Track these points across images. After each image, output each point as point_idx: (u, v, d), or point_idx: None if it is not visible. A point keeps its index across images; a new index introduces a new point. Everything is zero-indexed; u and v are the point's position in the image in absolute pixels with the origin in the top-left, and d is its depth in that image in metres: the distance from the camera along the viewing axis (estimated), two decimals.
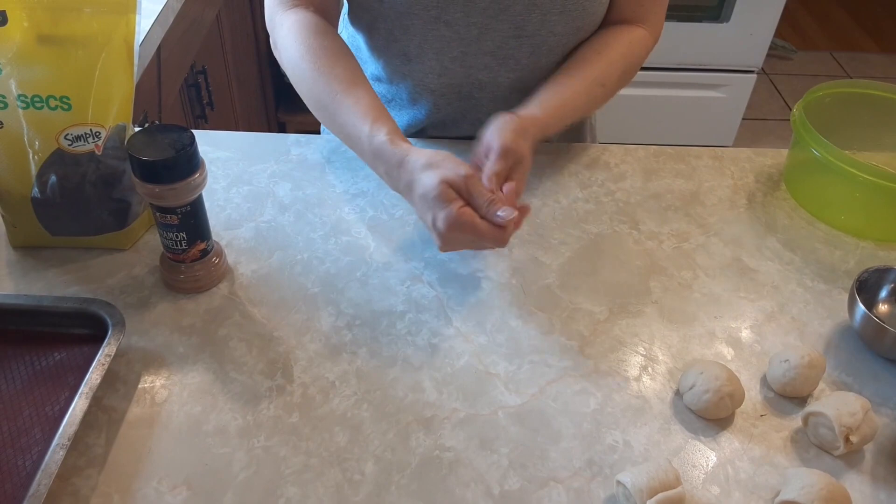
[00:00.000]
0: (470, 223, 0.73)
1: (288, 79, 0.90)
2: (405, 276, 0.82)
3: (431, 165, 0.75)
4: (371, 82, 1.02)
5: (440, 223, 0.73)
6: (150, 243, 0.84)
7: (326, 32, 0.88)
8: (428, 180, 0.74)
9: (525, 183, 0.82)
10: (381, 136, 0.78)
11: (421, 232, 0.87)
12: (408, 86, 0.99)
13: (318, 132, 1.12)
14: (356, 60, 0.88)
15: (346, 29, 1.04)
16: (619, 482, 0.62)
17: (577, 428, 0.69)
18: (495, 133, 0.80)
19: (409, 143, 0.79)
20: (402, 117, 1.03)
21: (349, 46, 1.04)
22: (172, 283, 0.79)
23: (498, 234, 0.74)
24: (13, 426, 0.65)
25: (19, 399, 0.67)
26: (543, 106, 0.87)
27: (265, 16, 0.94)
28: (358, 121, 0.81)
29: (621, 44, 0.94)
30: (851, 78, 1.68)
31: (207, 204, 0.77)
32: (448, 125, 1.02)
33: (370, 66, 1.01)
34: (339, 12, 0.93)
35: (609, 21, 0.95)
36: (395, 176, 0.78)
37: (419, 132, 1.04)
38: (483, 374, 0.73)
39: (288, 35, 0.88)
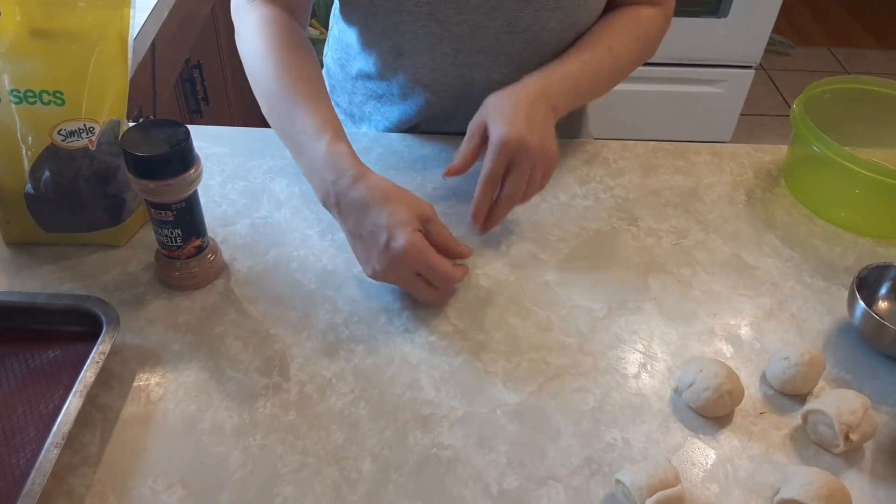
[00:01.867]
0: (427, 251, 0.73)
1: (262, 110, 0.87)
2: None
3: (397, 191, 0.74)
4: (362, 79, 1.02)
5: (396, 244, 0.71)
6: (144, 240, 0.84)
7: (294, 31, 0.85)
8: (395, 204, 0.73)
9: (538, 178, 0.81)
10: (343, 147, 0.76)
11: None
12: (399, 81, 0.98)
13: None
14: (319, 67, 0.86)
15: (337, 23, 1.04)
16: (618, 480, 0.62)
17: (576, 426, 0.68)
18: (488, 123, 0.80)
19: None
20: (394, 113, 1.03)
21: (340, 41, 1.03)
22: (167, 280, 0.78)
23: (449, 275, 0.75)
24: (7, 425, 0.65)
25: (13, 397, 0.67)
26: (546, 74, 0.86)
27: (231, 5, 0.91)
28: (318, 125, 0.77)
29: (626, 16, 0.93)
30: (849, 74, 1.68)
31: (203, 200, 0.77)
32: (440, 121, 1.01)
33: (361, 60, 1.00)
34: (308, 11, 0.92)
35: (618, 3, 0.95)
36: (344, 187, 0.74)
37: (411, 128, 1.03)
38: (481, 371, 0.72)
39: (254, 28, 0.84)
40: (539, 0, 0.87)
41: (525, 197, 0.82)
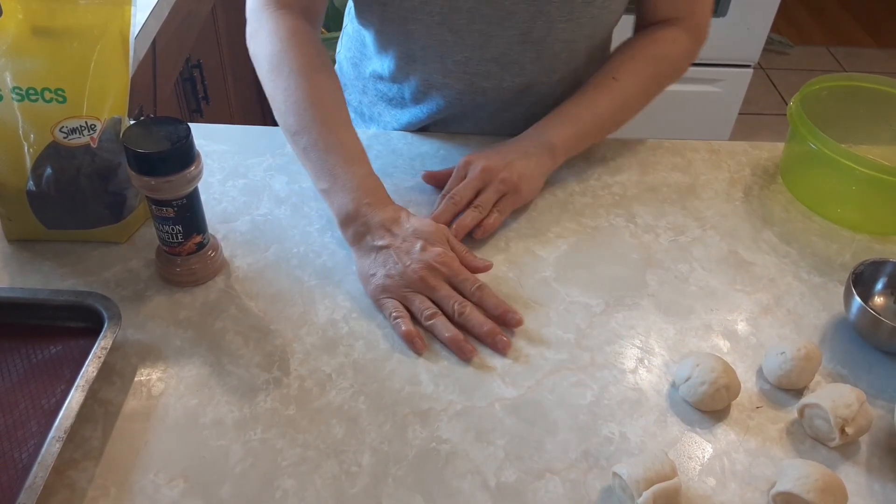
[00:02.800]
0: (457, 263, 0.76)
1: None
2: None
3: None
4: (374, 79, 1.03)
5: (434, 249, 0.75)
6: (146, 236, 0.84)
7: (315, 44, 0.87)
8: (426, 220, 0.79)
9: (490, 199, 0.85)
10: (377, 180, 0.81)
11: None
12: (411, 86, 0.98)
13: None
14: (340, 86, 0.87)
15: (351, 22, 1.04)
16: (615, 474, 0.62)
17: (574, 420, 0.69)
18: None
19: None
20: (404, 116, 1.03)
21: (354, 40, 1.04)
22: (168, 277, 0.79)
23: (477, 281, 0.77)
24: (9, 419, 0.65)
25: (15, 392, 0.67)
26: (548, 118, 0.89)
27: (247, 7, 0.91)
28: (353, 154, 0.81)
29: (643, 42, 0.94)
30: (847, 72, 1.68)
31: (203, 197, 0.77)
32: (450, 123, 1.02)
33: (374, 62, 1.01)
34: (322, 18, 0.93)
35: (647, 23, 0.95)
36: (376, 206, 0.78)
37: (421, 129, 1.03)
38: (480, 366, 0.73)
39: (275, 38, 0.85)
40: (552, 11, 0.87)
41: (484, 222, 0.84)
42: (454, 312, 0.74)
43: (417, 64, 0.95)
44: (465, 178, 0.86)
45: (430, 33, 0.90)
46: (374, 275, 0.76)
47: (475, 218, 0.83)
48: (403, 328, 0.74)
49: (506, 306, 0.75)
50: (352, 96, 1.09)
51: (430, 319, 0.74)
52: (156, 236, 0.78)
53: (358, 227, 0.78)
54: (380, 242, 0.77)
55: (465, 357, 0.72)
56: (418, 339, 0.73)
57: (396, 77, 0.99)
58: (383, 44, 0.96)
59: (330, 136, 0.81)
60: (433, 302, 0.75)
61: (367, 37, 0.99)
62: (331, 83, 0.85)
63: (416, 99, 1.00)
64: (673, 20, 0.94)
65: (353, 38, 1.05)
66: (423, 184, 0.93)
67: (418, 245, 0.76)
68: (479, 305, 0.76)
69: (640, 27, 0.97)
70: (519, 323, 0.75)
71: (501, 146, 0.89)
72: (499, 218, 0.84)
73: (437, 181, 0.90)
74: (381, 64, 0.99)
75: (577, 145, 0.91)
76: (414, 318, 0.75)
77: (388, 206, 0.79)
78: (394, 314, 0.75)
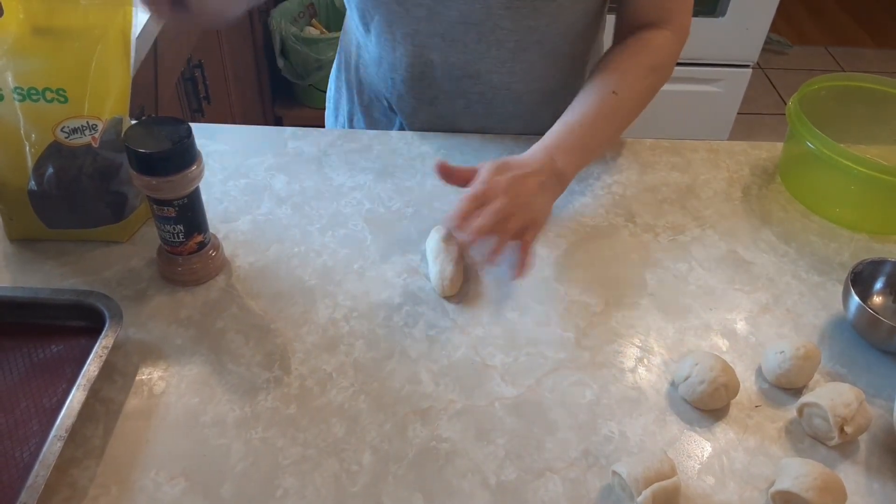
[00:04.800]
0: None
1: (284, 72, 0.91)
2: (402, 269, 0.82)
3: None
4: (356, 47, 1.05)
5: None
6: (147, 236, 0.84)
7: None
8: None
9: (512, 227, 0.76)
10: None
11: (417, 224, 0.88)
12: (371, 57, 1.01)
13: (315, 126, 1.12)
14: None
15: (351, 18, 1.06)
16: (614, 472, 0.62)
17: (574, 419, 0.69)
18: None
19: None
20: (371, 78, 1.05)
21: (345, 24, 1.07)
22: (170, 276, 0.79)
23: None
24: (11, 418, 0.65)
25: (17, 391, 0.67)
26: (553, 133, 0.86)
27: None
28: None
29: (635, 48, 0.92)
30: (846, 72, 1.68)
31: (204, 197, 0.77)
32: (410, 102, 1.03)
33: (363, 39, 1.02)
34: None
35: (630, 26, 0.94)
36: None
37: (387, 98, 1.05)
38: (480, 365, 0.73)
39: None
40: None
41: (498, 245, 0.75)
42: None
43: (370, 35, 0.97)
44: (486, 194, 0.78)
45: (381, 3, 0.92)
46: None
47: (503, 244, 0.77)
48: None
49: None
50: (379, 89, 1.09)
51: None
52: (157, 235, 0.78)
53: None
54: None
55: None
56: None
57: (359, 46, 1.02)
58: (365, 21, 0.98)
59: None
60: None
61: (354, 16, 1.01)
62: None
63: (378, 73, 1.02)
64: (658, 22, 0.93)
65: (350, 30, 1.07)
66: (422, 184, 0.93)
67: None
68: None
69: (624, 29, 0.95)
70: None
71: (521, 172, 0.79)
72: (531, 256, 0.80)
73: (452, 178, 0.81)
74: (357, 33, 1.02)
75: (581, 169, 0.89)
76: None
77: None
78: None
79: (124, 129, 0.76)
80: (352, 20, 1.03)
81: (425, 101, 1.02)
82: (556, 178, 0.82)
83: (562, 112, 1.08)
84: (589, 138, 0.86)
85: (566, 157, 0.83)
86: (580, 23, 0.96)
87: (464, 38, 0.93)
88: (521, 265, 0.77)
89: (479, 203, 0.74)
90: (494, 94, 1.00)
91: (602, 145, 0.90)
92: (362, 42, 1.03)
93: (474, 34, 0.93)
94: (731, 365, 0.71)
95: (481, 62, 0.96)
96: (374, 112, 1.09)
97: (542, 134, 1.03)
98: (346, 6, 1.02)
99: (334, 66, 1.17)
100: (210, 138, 0.98)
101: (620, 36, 0.95)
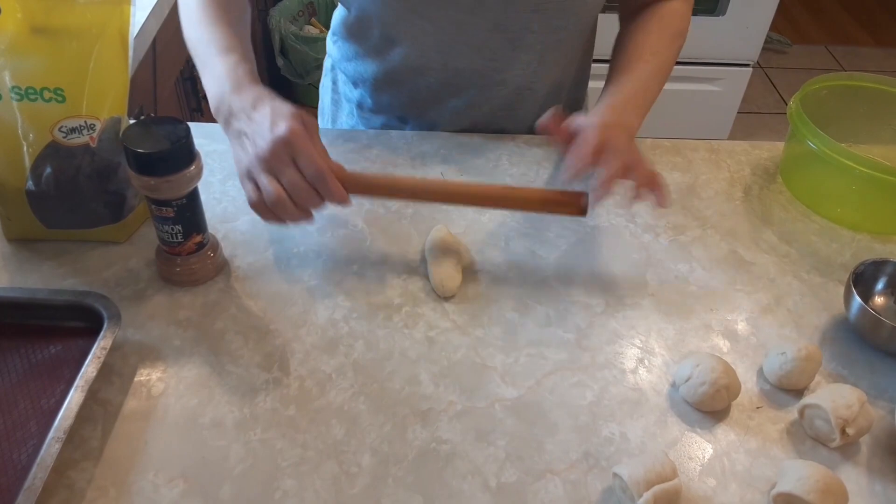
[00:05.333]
0: (308, 142, 0.70)
1: (283, 71, 0.90)
2: (402, 269, 0.82)
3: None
4: (356, 60, 1.03)
5: (280, 126, 0.69)
6: (145, 236, 0.84)
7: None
8: (283, 101, 0.73)
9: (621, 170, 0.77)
10: (247, 67, 0.77)
11: (418, 224, 0.87)
12: (388, 68, 0.99)
13: None
14: (246, 15, 0.89)
15: (336, 12, 1.05)
16: (615, 474, 0.62)
17: (574, 420, 0.69)
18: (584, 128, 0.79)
19: None
20: (384, 98, 1.04)
21: (340, 30, 1.04)
22: (168, 276, 0.79)
23: (323, 169, 0.70)
24: (8, 419, 0.65)
25: (15, 392, 0.67)
26: (617, 95, 0.87)
27: None
28: (227, 46, 0.80)
29: (658, 17, 0.94)
30: (846, 71, 1.67)
31: (203, 197, 0.77)
32: (429, 108, 1.02)
33: (357, 43, 1.01)
34: None
35: (640, 2, 0.95)
36: (237, 92, 0.74)
37: (400, 117, 1.05)
38: (480, 366, 0.73)
39: None
40: (520, 2, 0.87)
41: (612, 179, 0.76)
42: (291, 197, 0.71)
43: (395, 47, 0.96)
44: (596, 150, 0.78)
45: (402, 20, 0.91)
46: (239, 161, 0.73)
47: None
48: (253, 198, 0.71)
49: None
50: (345, 87, 1.09)
51: (274, 201, 0.70)
52: (155, 236, 0.77)
53: (225, 114, 0.75)
54: (241, 125, 0.73)
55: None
56: (264, 208, 0.71)
57: (376, 59, 1.00)
58: (361, 28, 0.98)
59: (208, 33, 0.81)
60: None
61: (351, 18, 0.99)
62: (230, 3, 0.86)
63: (396, 81, 1.01)
64: None
65: (338, 19, 1.06)
66: None
67: (267, 127, 0.70)
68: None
69: (633, 6, 0.96)
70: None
71: (617, 127, 0.80)
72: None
73: (555, 131, 0.81)
74: (367, 44, 1.00)
75: (640, 126, 0.89)
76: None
77: (250, 90, 0.75)
78: (250, 196, 0.72)
79: (122, 129, 0.76)
80: (359, 44, 1.01)
81: (447, 111, 1.01)
82: (628, 133, 0.82)
83: (568, 102, 1.08)
84: (642, 96, 0.89)
85: (630, 114, 0.85)
86: (594, 15, 0.97)
87: (492, 45, 0.93)
88: (663, 194, 0.78)
89: (597, 156, 0.76)
90: (518, 97, 1.00)
91: (652, 101, 0.92)
92: (370, 61, 1.01)
93: (503, 41, 0.92)
94: (732, 366, 0.70)
95: (509, 68, 0.96)
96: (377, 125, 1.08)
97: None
98: (347, 33, 1.01)
99: (326, 83, 1.16)
100: (209, 138, 0.97)
101: (629, 14, 0.96)
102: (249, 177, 0.71)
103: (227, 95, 0.74)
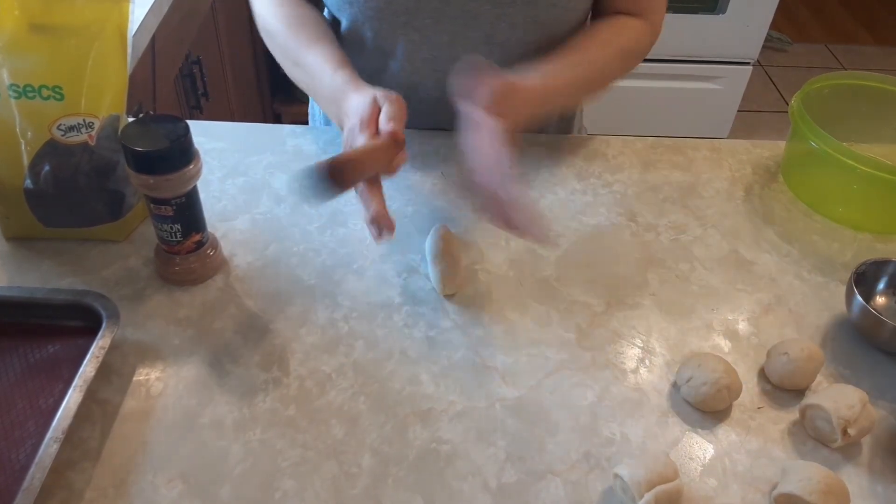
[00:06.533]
0: (356, 133, 0.72)
1: (284, 70, 0.90)
2: (402, 268, 0.82)
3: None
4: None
5: (346, 129, 0.74)
6: (144, 235, 0.84)
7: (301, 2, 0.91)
8: (360, 99, 0.76)
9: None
10: (345, 75, 0.81)
11: (418, 224, 0.87)
12: (383, 81, 0.98)
13: None
14: (327, 25, 0.92)
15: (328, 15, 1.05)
16: (616, 475, 0.62)
17: (575, 420, 0.69)
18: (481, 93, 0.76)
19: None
20: None
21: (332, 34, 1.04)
22: (167, 276, 0.78)
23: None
24: (6, 419, 0.65)
25: (13, 392, 0.67)
26: (541, 77, 0.84)
27: None
28: (324, 64, 0.83)
29: (612, 28, 0.92)
30: (847, 70, 1.67)
31: (202, 195, 0.77)
32: (424, 117, 1.01)
33: (349, 53, 1.00)
34: None
35: (605, 11, 0.95)
36: (342, 102, 0.78)
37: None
38: (480, 366, 0.73)
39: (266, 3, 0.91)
40: (515, 14, 0.87)
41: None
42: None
43: (388, 60, 0.95)
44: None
45: (397, 32, 0.90)
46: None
47: None
48: (372, 211, 0.69)
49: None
50: None
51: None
52: (154, 235, 0.77)
53: (339, 121, 0.80)
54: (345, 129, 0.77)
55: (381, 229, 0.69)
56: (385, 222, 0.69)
57: (371, 71, 0.99)
58: (355, 39, 0.97)
59: (311, 56, 0.85)
60: None
61: (342, 30, 0.99)
62: (310, 11, 0.91)
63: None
64: (634, 14, 0.94)
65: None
66: (422, 182, 0.93)
67: (348, 124, 0.75)
68: None
69: (601, 12, 0.95)
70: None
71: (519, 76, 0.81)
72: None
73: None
74: (358, 56, 0.99)
75: (541, 116, 0.88)
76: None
77: (349, 96, 0.78)
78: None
79: (121, 127, 0.75)
80: (352, 55, 1.00)
81: (443, 121, 1.01)
82: (520, 122, 0.80)
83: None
84: (566, 92, 0.88)
85: (540, 107, 0.84)
86: (585, 17, 0.96)
87: (487, 58, 0.92)
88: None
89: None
90: None
91: (567, 102, 0.93)
92: (364, 74, 1.01)
93: (499, 53, 0.92)
94: (733, 366, 0.70)
95: None
96: None
97: (542, 131, 1.01)
98: (340, 42, 1.00)
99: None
100: (208, 136, 0.97)
101: (596, 17, 0.96)
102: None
103: (335, 104, 0.80)
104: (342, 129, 0.78)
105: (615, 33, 0.92)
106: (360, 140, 0.72)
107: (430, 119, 1.01)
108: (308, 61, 0.85)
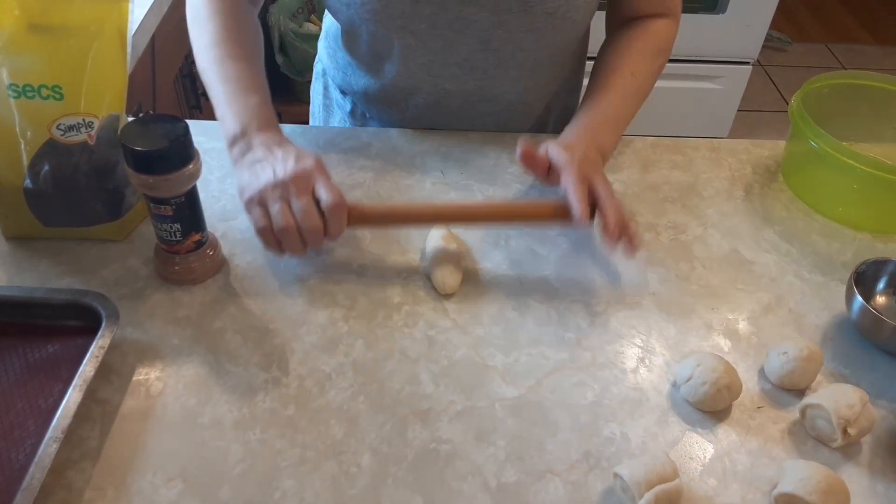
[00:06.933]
0: (327, 176, 0.74)
1: (283, 69, 0.90)
2: (402, 268, 0.82)
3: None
4: (346, 72, 1.03)
5: (306, 160, 0.74)
6: (144, 234, 0.84)
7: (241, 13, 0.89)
8: (310, 152, 0.76)
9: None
10: (271, 111, 0.82)
11: None
12: (379, 87, 0.99)
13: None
14: (259, 37, 0.91)
15: (327, 18, 1.04)
16: (616, 474, 0.62)
17: (575, 420, 0.68)
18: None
19: None
20: (374, 113, 1.04)
21: (330, 38, 1.04)
22: (167, 275, 0.78)
23: (341, 202, 0.72)
24: (6, 419, 0.65)
25: (12, 392, 0.67)
26: (590, 117, 0.87)
27: None
28: (254, 83, 0.83)
29: (640, 34, 0.93)
30: (846, 69, 1.67)
31: (202, 195, 0.77)
32: (420, 119, 1.02)
33: (347, 55, 1.00)
34: None
35: (627, 16, 0.95)
36: (261, 131, 0.78)
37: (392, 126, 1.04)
38: (480, 366, 0.73)
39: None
40: (512, 21, 0.87)
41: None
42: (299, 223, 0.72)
43: (384, 64, 0.95)
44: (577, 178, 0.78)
45: (392, 36, 0.90)
46: (248, 186, 0.74)
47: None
48: (261, 224, 0.73)
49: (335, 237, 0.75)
50: (335, 74, 1.09)
51: (282, 228, 0.72)
52: (154, 234, 0.77)
53: (242, 147, 0.78)
54: (258, 156, 0.76)
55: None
56: (270, 236, 0.73)
57: (367, 74, 0.99)
58: (351, 43, 0.97)
59: (231, 69, 0.83)
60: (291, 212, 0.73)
61: (339, 32, 0.99)
62: (245, 25, 0.89)
63: (387, 97, 1.00)
64: (657, 14, 0.95)
65: (328, 32, 1.05)
66: (422, 182, 0.93)
67: (293, 159, 0.74)
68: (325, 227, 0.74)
69: (622, 19, 0.96)
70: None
71: (583, 149, 0.81)
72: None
73: (535, 165, 0.82)
74: (352, 60, 1.00)
75: (613, 148, 0.90)
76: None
77: (275, 131, 0.79)
78: (258, 222, 0.73)
79: (121, 127, 0.75)
80: (349, 56, 1.01)
81: (439, 125, 1.01)
82: (602, 155, 0.84)
83: (560, 110, 1.07)
84: (618, 117, 0.89)
85: (605, 136, 0.86)
86: (586, 27, 0.96)
87: (483, 64, 0.92)
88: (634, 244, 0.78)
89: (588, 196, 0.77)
90: (508, 112, 1.00)
91: (628, 122, 0.92)
92: (361, 75, 1.01)
93: (494, 59, 0.92)
94: (733, 366, 0.70)
95: (498, 86, 0.95)
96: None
97: (541, 131, 1.02)
98: (336, 44, 1.01)
99: (317, 87, 1.15)
100: (208, 136, 0.97)
101: (616, 24, 0.96)
102: (260, 202, 0.73)
103: (250, 130, 0.78)
104: (234, 142, 0.78)
105: (647, 44, 0.93)
106: (300, 203, 0.72)
107: (426, 121, 1.01)
108: (232, 71, 0.83)
